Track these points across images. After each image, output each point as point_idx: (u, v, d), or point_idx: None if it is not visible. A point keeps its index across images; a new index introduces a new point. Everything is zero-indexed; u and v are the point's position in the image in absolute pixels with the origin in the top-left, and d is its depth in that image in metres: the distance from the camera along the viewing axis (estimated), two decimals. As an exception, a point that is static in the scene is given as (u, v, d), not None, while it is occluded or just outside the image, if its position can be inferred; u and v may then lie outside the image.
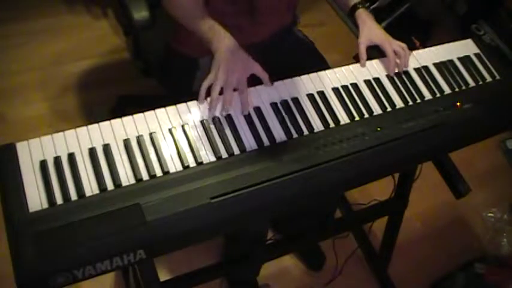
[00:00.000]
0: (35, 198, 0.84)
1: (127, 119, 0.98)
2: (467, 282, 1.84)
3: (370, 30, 1.25)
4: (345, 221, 1.79)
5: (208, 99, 1.03)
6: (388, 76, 1.20)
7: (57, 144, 0.91)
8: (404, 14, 2.55)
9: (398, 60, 1.21)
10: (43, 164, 0.88)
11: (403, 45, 1.24)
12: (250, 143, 1.00)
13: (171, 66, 1.42)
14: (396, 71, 1.21)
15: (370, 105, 1.13)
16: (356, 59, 1.22)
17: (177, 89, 1.42)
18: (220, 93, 1.03)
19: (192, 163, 0.95)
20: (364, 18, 1.26)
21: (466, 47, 1.34)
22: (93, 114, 1.99)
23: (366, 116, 1.11)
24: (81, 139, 0.93)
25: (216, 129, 1.01)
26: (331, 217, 1.75)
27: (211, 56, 1.27)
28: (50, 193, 0.85)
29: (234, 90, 1.05)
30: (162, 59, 1.45)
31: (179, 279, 1.38)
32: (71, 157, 0.90)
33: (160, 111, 1.01)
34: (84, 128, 0.94)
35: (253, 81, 1.10)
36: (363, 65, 1.20)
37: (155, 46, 1.48)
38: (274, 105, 1.07)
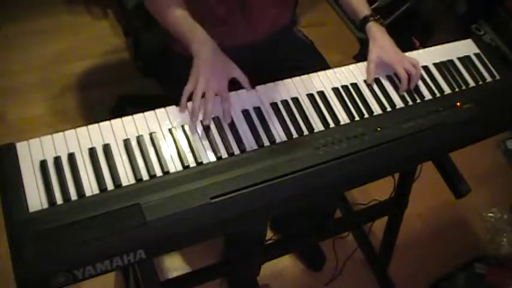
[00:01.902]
0: (35, 198, 0.84)
1: (127, 119, 0.98)
2: (467, 282, 1.84)
3: (382, 49, 1.19)
4: (345, 221, 1.79)
5: (189, 105, 1.01)
6: (388, 76, 1.20)
7: (57, 144, 0.91)
8: (404, 14, 2.55)
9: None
10: (43, 164, 0.88)
11: (415, 61, 1.20)
12: (250, 143, 1.00)
13: (169, 65, 1.42)
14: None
15: (370, 105, 1.13)
16: (356, 59, 1.22)
17: (175, 89, 1.41)
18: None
19: (192, 163, 0.94)
20: (375, 33, 1.21)
21: (466, 47, 1.34)
22: (93, 114, 1.99)
23: (366, 116, 1.11)
24: (81, 139, 0.93)
25: (216, 129, 1.01)
26: (331, 217, 1.75)
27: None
28: (50, 193, 0.85)
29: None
30: (160, 59, 1.45)
31: (179, 279, 1.38)
32: (71, 157, 0.90)
33: (160, 111, 1.01)
34: (84, 128, 0.94)
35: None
36: (370, 81, 1.17)
37: (155, 46, 1.48)
38: (274, 105, 1.07)
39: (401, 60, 1.18)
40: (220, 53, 1.08)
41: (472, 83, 1.25)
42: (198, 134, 0.99)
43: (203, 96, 1.01)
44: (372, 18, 1.22)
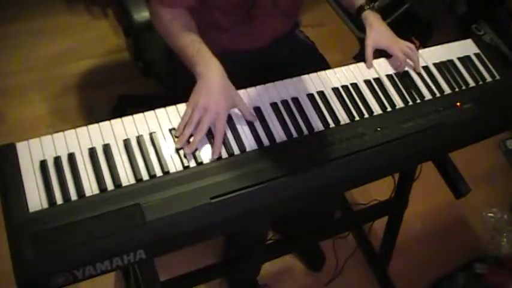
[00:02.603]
0: (35, 198, 0.84)
1: (127, 119, 0.98)
2: (467, 282, 1.84)
3: (378, 34, 1.23)
4: (345, 221, 1.79)
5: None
6: (388, 76, 1.20)
7: (57, 144, 0.91)
8: (404, 14, 2.55)
9: (409, 62, 1.22)
10: (43, 164, 0.88)
11: (411, 45, 1.23)
12: (250, 143, 1.00)
13: (172, 66, 1.42)
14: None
15: (370, 105, 1.13)
16: (356, 59, 1.22)
17: (177, 89, 1.41)
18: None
19: (192, 163, 0.94)
20: (371, 20, 1.25)
21: (466, 47, 1.34)
22: (93, 114, 1.99)
23: (366, 116, 1.11)
24: (81, 139, 0.93)
25: (216, 129, 1.00)
26: (331, 217, 1.75)
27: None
28: (50, 193, 0.85)
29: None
30: (164, 60, 1.45)
31: (179, 279, 1.38)
32: (71, 157, 0.90)
33: (160, 111, 1.01)
34: (84, 128, 0.94)
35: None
36: (369, 67, 1.20)
37: (155, 46, 1.48)
38: (274, 105, 1.07)
39: (398, 44, 1.23)
40: (227, 80, 1.03)
41: (472, 83, 1.25)
42: (198, 134, 0.99)
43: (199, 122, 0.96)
44: (368, 7, 1.26)
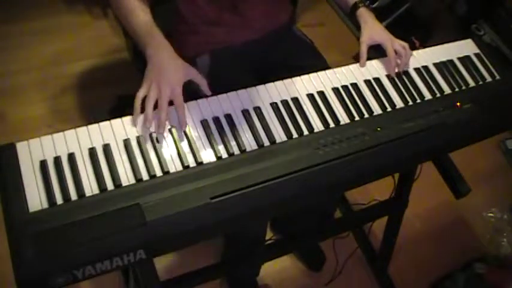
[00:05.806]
0: (35, 198, 0.84)
1: (127, 119, 0.98)
2: (467, 282, 1.84)
3: (372, 29, 1.24)
4: (345, 221, 1.79)
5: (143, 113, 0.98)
6: (388, 76, 1.20)
7: (57, 144, 0.91)
8: (404, 14, 2.55)
9: (399, 60, 1.22)
10: (43, 164, 0.88)
11: (405, 44, 1.24)
12: (250, 143, 1.00)
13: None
14: (396, 70, 1.21)
15: (370, 105, 1.13)
16: (356, 59, 1.22)
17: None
18: (156, 107, 0.98)
19: (192, 163, 0.94)
20: (366, 17, 1.26)
21: (466, 47, 1.34)
22: (93, 114, 2.00)
23: (366, 116, 1.11)
24: (81, 139, 0.93)
25: (216, 129, 1.01)
26: (331, 217, 1.75)
27: (207, 55, 1.27)
28: (50, 193, 0.85)
29: (171, 103, 0.99)
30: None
31: (179, 279, 1.38)
32: (71, 157, 0.90)
33: (160, 111, 1.00)
34: (84, 128, 0.94)
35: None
36: (363, 65, 1.20)
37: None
38: (274, 105, 1.07)
39: (392, 40, 1.23)
40: (176, 58, 1.05)
41: (472, 83, 1.25)
42: (198, 134, 0.99)
43: (156, 103, 0.98)
44: (362, 4, 1.27)
